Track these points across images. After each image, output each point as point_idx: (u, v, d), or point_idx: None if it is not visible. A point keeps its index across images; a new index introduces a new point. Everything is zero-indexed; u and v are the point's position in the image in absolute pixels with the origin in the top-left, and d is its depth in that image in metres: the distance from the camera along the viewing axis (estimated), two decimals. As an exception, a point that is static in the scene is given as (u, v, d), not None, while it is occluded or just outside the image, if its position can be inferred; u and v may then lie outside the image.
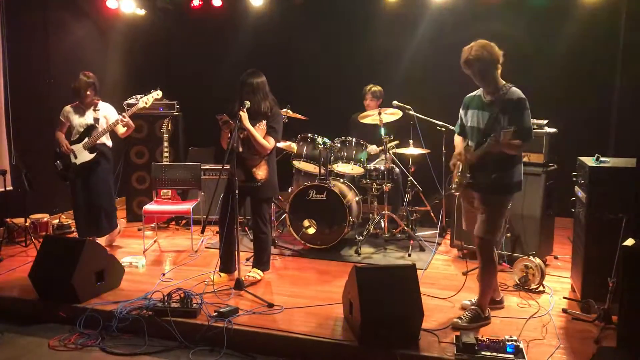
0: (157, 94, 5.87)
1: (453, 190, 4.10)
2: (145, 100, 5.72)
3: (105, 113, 5.63)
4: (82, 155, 5.53)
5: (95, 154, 5.54)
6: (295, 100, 6.46)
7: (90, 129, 5.53)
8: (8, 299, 4.51)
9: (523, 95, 3.76)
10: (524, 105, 3.73)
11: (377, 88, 6.45)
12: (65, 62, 6.81)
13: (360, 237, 5.75)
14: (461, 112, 4.09)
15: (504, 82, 3.82)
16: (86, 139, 5.52)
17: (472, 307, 4.00)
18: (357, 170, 5.94)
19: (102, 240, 5.73)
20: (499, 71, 3.80)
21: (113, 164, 5.87)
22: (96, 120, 5.55)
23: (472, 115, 3.93)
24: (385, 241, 5.97)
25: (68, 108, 5.62)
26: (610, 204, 4.01)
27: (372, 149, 6.13)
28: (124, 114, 5.55)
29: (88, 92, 5.50)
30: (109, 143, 5.72)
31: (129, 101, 6.69)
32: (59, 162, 5.57)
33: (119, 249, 5.84)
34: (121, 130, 5.65)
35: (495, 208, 3.86)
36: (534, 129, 4.95)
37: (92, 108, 5.58)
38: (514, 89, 3.79)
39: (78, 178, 5.56)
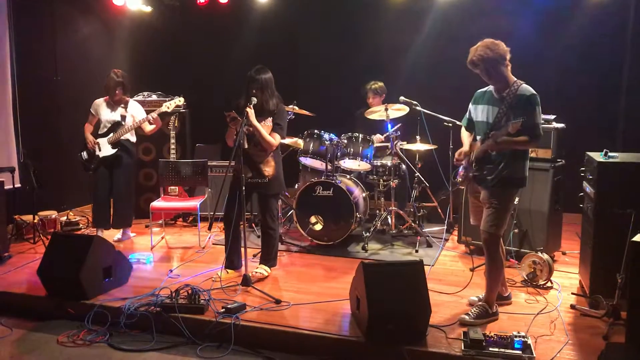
0: (180, 100, 5.98)
1: (458, 184, 4.12)
2: (167, 105, 5.82)
3: (133, 111, 5.84)
4: (105, 149, 5.73)
5: (117, 149, 5.73)
6: (301, 97, 6.46)
7: (116, 125, 5.73)
8: (17, 295, 4.53)
9: (535, 92, 3.74)
10: (535, 102, 3.71)
11: (378, 84, 6.44)
12: (72, 59, 6.84)
13: (367, 234, 5.75)
14: (470, 106, 4.07)
15: (514, 79, 3.80)
16: (111, 134, 5.72)
17: (480, 303, 3.99)
18: (363, 166, 5.94)
19: (114, 233, 5.91)
20: (508, 68, 3.77)
21: (136, 159, 6.04)
22: (123, 117, 5.75)
23: (483, 110, 3.92)
24: (393, 237, 5.97)
25: (98, 102, 5.81)
26: (619, 199, 3.99)
27: (377, 138, 6.12)
28: (153, 113, 5.73)
29: (117, 91, 5.70)
30: (133, 139, 5.93)
31: (137, 98, 6.72)
32: (84, 152, 5.79)
33: (127, 245, 5.87)
34: (148, 128, 5.84)
35: (500, 202, 3.85)
36: (542, 124, 4.97)
37: (121, 105, 5.76)
38: (525, 85, 3.77)
39: (100, 170, 5.76)
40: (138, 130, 5.94)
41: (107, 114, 5.77)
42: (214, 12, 7.46)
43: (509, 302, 4.24)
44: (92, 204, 5.99)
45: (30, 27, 6.37)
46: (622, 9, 6.17)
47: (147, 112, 5.86)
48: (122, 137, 5.74)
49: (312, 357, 3.68)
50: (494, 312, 3.97)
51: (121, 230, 6.02)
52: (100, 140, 5.74)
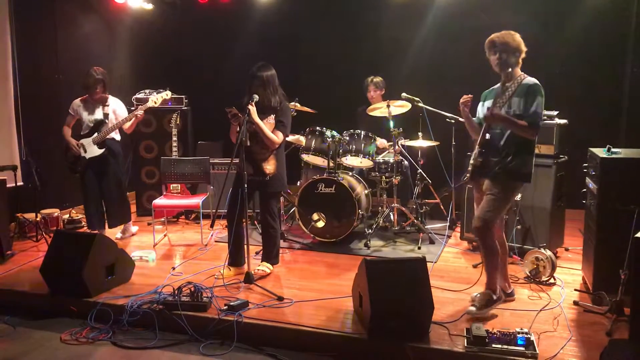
0: (167, 94, 5.96)
1: (465, 181, 4.11)
2: (154, 100, 5.77)
3: (115, 108, 5.70)
4: (92, 150, 5.60)
5: (104, 149, 5.61)
6: (303, 94, 6.45)
7: (100, 124, 5.59)
8: (20, 293, 4.54)
9: (538, 82, 3.82)
10: (537, 90, 3.78)
11: (378, 79, 6.43)
12: (73, 57, 6.83)
13: (370, 230, 5.75)
14: (479, 105, 4.11)
15: (521, 73, 3.88)
16: (96, 134, 5.58)
17: (483, 291, 3.98)
18: (366, 163, 5.93)
19: (116, 231, 5.87)
20: (520, 63, 3.87)
21: (122, 157, 5.92)
22: (106, 115, 5.62)
23: (488, 105, 3.93)
24: (395, 234, 5.96)
25: (77, 102, 5.68)
26: (622, 195, 3.97)
27: (381, 142, 6.11)
28: (140, 110, 5.60)
29: (98, 89, 5.56)
30: (118, 137, 5.80)
31: (138, 96, 6.73)
32: (68, 154, 5.65)
33: (129, 243, 5.87)
34: (127, 125, 5.68)
35: (501, 191, 3.86)
36: (545, 119, 4.95)
37: (101, 103, 5.63)
38: (530, 77, 3.85)
39: (88, 171, 5.63)
40: (121, 128, 5.77)
41: (88, 114, 5.61)
42: (215, 9, 7.46)
43: (513, 298, 4.23)
44: (84, 206, 5.85)
45: (31, 26, 6.36)
46: (625, 3, 6.14)
47: (152, 111, 5.80)
48: (107, 137, 5.60)
49: (314, 354, 3.68)
50: (499, 296, 3.97)
51: (122, 227, 6.01)
52: (84, 141, 5.58)
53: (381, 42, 7.13)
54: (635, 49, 6.06)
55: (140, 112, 5.60)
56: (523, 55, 3.86)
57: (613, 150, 4.20)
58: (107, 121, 5.60)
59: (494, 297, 3.95)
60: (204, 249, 5.65)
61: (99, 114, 5.61)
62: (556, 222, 5.12)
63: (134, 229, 6.17)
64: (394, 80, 6.50)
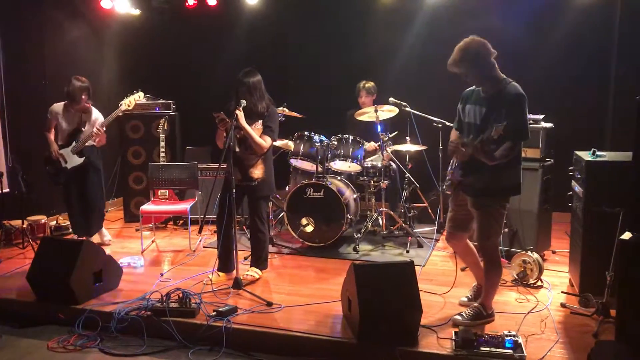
0: (139, 95, 5.80)
1: (445, 189, 4.00)
2: (127, 103, 5.63)
3: (94, 116, 5.62)
4: (72, 160, 5.54)
5: (85, 157, 5.55)
6: (291, 99, 6.46)
7: (76, 133, 5.54)
8: (6, 301, 4.50)
9: (522, 92, 3.61)
10: (520, 102, 3.57)
11: (371, 84, 6.45)
12: (61, 63, 6.80)
13: (358, 235, 5.76)
14: (459, 106, 3.94)
15: (502, 77, 3.68)
16: (74, 143, 5.53)
17: (475, 304, 3.95)
18: (354, 168, 5.94)
19: (94, 239, 5.78)
20: (495, 67, 3.66)
21: (102, 163, 5.84)
22: (83, 124, 5.54)
23: (470, 110, 3.80)
24: (383, 238, 5.97)
25: (57, 108, 5.59)
26: (608, 197, 4.00)
27: (370, 145, 6.13)
28: (98, 127, 5.47)
29: (83, 97, 5.47)
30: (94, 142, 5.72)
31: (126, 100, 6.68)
32: (49, 167, 5.59)
33: (117, 249, 5.84)
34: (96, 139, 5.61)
35: (488, 212, 3.74)
36: (530, 124, 4.97)
37: (83, 112, 5.56)
38: (513, 85, 3.65)
39: (71, 181, 5.59)
40: None
41: (68, 123, 5.54)
42: (203, 14, 7.45)
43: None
44: (69, 214, 5.83)
45: (18, 32, 6.33)
46: (608, 8, 6.22)
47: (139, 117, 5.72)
48: (85, 144, 5.50)
49: (304, 359, 3.67)
50: (490, 313, 3.93)
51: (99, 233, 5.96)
52: (63, 151, 5.51)
53: (369, 46, 7.16)
54: (620, 52, 6.12)
55: (99, 128, 5.44)
56: (494, 54, 3.60)
57: (598, 153, 4.25)
58: (82, 129, 5.52)
59: (484, 313, 3.89)
60: (192, 254, 5.63)
61: (76, 123, 5.55)
62: (543, 225, 5.15)
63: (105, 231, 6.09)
64: (381, 85, 6.52)
